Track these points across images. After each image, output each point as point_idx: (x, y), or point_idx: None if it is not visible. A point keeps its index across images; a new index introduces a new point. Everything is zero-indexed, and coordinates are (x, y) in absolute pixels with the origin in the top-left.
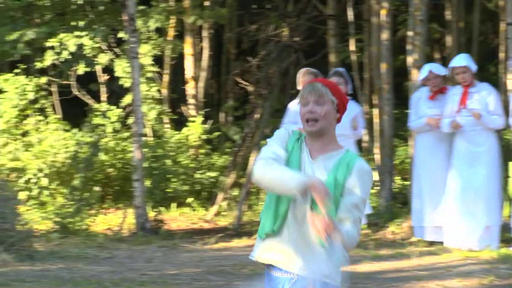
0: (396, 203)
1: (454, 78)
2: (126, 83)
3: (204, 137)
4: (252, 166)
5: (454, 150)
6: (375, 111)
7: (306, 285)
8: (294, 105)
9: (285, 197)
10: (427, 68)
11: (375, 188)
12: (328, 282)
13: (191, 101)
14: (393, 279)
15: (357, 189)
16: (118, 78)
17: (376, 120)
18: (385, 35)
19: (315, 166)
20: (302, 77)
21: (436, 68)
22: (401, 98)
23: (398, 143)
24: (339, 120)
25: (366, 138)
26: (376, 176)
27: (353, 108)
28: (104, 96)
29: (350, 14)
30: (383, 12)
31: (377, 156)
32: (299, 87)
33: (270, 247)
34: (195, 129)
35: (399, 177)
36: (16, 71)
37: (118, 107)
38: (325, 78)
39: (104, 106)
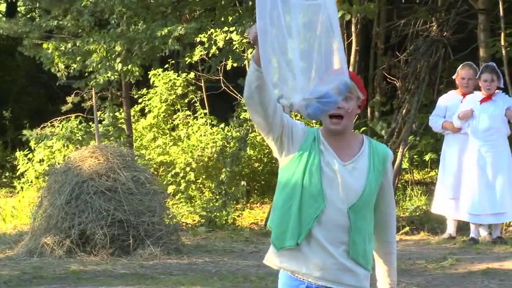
0: None
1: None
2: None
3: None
4: (398, 162)
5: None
6: None
7: None
8: (444, 100)
9: (311, 203)
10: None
11: None
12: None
13: None
14: None
15: (391, 181)
16: None
17: None
18: None
19: (349, 170)
20: (461, 70)
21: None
22: None
23: None
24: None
25: None
26: None
27: (506, 101)
28: None
29: (501, 8)
30: None
31: None
32: (457, 80)
33: (292, 258)
34: None
35: None
36: (166, 66)
37: None
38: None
39: None
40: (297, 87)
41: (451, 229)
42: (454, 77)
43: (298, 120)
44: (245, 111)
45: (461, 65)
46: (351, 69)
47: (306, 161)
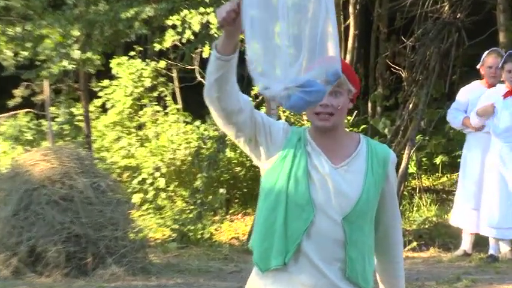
0: None
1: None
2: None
3: (348, 130)
4: (404, 165)
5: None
6: None
7: None
8: (465, 91)
9: (298, 214)
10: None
11: None
12: None
13: None
14: None
15: (394, 188)
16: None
17: None
18: None
19: (341, 174)
20: (488, 57)
21: None
22: None
23: None
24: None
25: None
26: None
27: None
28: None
29: None
30: None
31: None
32: (482, 69)
33: (279, 280)
34: None
35: None
36: (131, 53)
37: (249, 95)
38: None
39: None
40: (282, 76)
41: (466, 244)
42: (478, 67)
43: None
44: None
45: (487, 52)
46: (348, 57)
47: (291, 165)
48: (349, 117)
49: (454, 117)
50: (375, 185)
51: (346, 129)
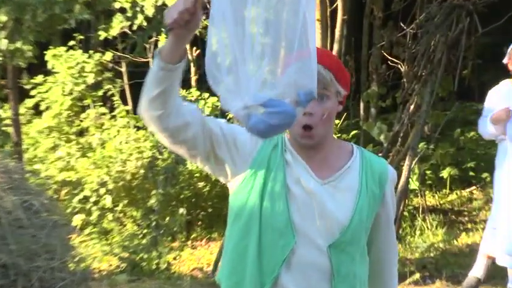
0: None
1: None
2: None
3: (335, 137)
4: (404, 180)
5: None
6: None
7: None
8: (494, 94)
9: (276, 240)
10: None
11: None
12: None
13: None
14: None
15: (392, 212)
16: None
17: None
18: None
19: (329, 192)
20: None
21: None
22: None
23: None
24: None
25: None
26: None
27: None
28: (193, 79)
29: None
30: None
31: None
32: (510, 64)
33: None
34: None
35: None
36: (71, 43)
37: (214, 94)
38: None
39: (194, 93)
40: (242, 89)
41: (479, 270)
42: (505, 61)
43: None
44: None
45: None
46: (335, 48)
47: (264, 179)
48: (337, 121)
49: (483, 127)
50: (368, 206)
51: (336, 137)
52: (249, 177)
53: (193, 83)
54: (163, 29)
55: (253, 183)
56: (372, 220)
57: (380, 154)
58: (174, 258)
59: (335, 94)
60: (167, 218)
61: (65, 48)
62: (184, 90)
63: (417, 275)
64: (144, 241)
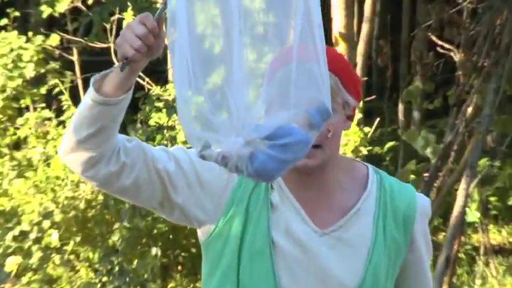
0: None
1: None
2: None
3: (365, 150)
4: (459, 209)
5: None
6: None
7: None
8: None
9: (268, 269)
10: None
11: None
12: None
13: None
14: None
15: (427, 256)
16: None
17: None
18: None
19: (331, 245)
20: None
21: None
22: None
23: None
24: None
25: None
26: None
27: None
28: (171, 72)
29: None
30: None
31: None
32: None
33: None
34: (349, 135)
35: None
36: (2, 22)
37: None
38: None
39: (171, 90)
40: (235, 121)
41: None
42: None
43: None
44: (158, 110)
45: None
46: (364, 29)
47: (242, 231)
48: (366, 129)
49: None
50: (388, 262)
51: (366, 150)
52: (222, 226)
53: (170, 76)
54: (116, 65)
55: (228, 234)
56: (395, 274)
57: (426, 174)
58: None
59: (342, 106)
60: (135, 261)
61: None
62: (159, 87)
63: None
64: None
